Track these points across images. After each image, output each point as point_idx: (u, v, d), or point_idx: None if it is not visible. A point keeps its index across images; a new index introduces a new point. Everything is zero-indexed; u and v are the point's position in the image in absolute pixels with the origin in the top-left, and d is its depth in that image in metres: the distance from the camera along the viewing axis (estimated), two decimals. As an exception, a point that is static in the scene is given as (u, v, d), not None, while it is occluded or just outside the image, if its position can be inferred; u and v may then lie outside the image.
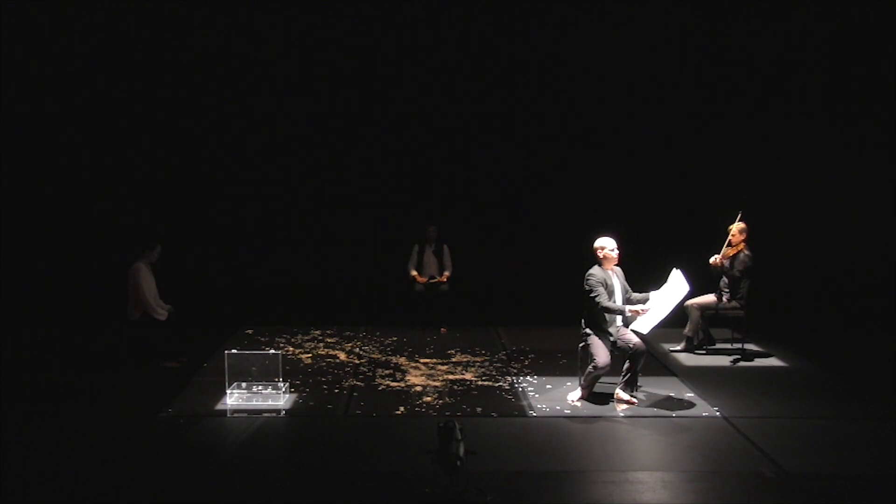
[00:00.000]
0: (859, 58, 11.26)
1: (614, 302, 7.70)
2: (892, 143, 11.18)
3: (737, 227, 9.39)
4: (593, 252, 7.75)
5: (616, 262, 7.80)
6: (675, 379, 8.55)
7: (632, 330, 7.61)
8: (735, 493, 5.92)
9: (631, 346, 7.62)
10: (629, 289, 7.85)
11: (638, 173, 11.73)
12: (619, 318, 7.76)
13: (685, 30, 11.50)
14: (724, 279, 9.44)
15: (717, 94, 11.59)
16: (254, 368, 7.85)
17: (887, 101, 11.16)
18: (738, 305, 9.42)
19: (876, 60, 11.20)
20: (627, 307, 7.63)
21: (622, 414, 7.56)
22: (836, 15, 11.25)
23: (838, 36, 11.27)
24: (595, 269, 7.73)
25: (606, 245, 7.70)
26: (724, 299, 9.43)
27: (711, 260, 9.40)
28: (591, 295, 7.60)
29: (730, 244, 9.38)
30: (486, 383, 8.46)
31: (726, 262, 9.34)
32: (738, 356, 9.40)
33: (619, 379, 7.74)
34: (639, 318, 7.57)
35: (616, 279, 7.79)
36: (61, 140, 11.34)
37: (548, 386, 8.27)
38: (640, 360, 7.65)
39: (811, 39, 11.35)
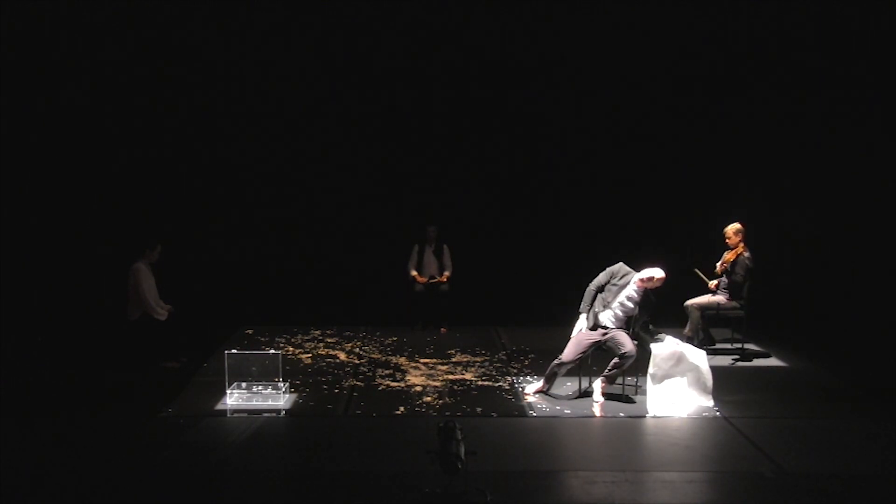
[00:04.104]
0: (859, 57, 11.25)
1: (602, 298, 7.90)
2: (893, 142, 11.16)
3: (732, 228, 9.40)
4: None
5: (651, 289, 7.85)
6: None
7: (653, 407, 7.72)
8: (735, 493, 5.92)
9: (622, 348, 7.70)
10: (650, 320, 7.98)
11: (637, 174, 11.72)
12: (611, 318, 7.84)
13: (682, 32, 11.49)
14: (724, 279, 9.45)
15: (716, 95, 11.58)
16: (254, 368, 7.85)
17: (887, 100, 11.15)
18: (738, 305, 9.43)
19: (877, 59, 11.20)
20: (585, 310, 7.94)
21: (623, 415, 7.57)
22: (836, 13, 11.25)
23: (838, 36, 11.26)
24: (618, 265, 7.99)
25: (656, 274, 7.80)
26: (725, 298, 9.43)
27: (711, 284, 9.45)
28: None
29: (728, 248, 9.40)
30: (486, 383, 8.46)
31: (727, 267, 9.35)
32: (738, 356, 9.41)
33: (604, 370, 7.84)
34: (653, 398, 7.68)
35: (634, 293, 7.84)
36: (61, 140, 11.32)
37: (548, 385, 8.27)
38: (628, 363, 7.74)
39: (811, 39, 11.34)
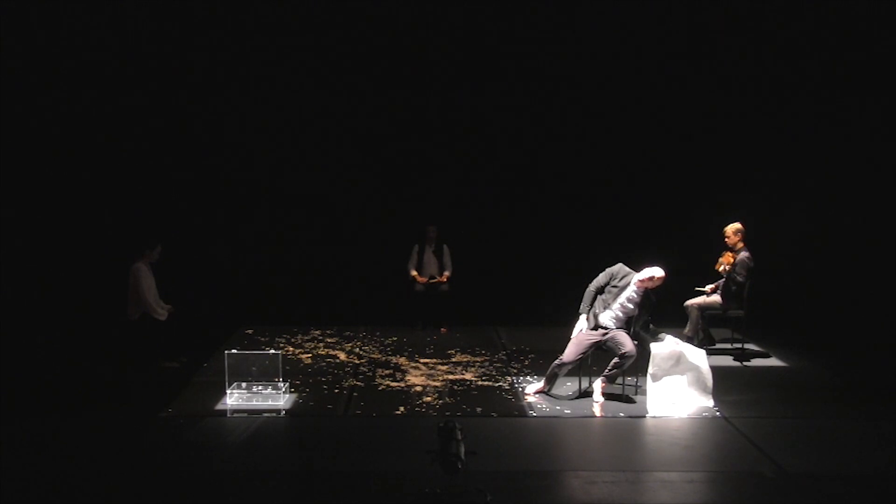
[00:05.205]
0: (858, 56, 11.25)
1: (603, 300, 7.91)
2: (893, 141, 11.16)
3: (731, 228, 9.40)
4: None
5: (651, 289, 7.84)
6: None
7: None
8: (735, 493, 5.92)
9: (622, 348, 7.71)
10: (650, 319, 7.98)
11: (637, 174, 11.72)
12: (611, 319, 7.85)
13: (683, 32, 11.49)
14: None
15: (716, 94, 11.58)
16: (254, 368, 7.85)
17: (886, 99, 11.15)
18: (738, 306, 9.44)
19: (875, 59, 11.20)
20: (585, 311, 7.94)
21: (623, 415, 7.58)
22: (835, 12, 11.25)
23: (837, 35, 11.26)
24: (618, 266, 7.97)
25: (656, 274, 7.78)
26: (721, 298, 9.43)
27: (709, 287, 9.47)
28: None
29: (728, 249, 9.39)
30: (486, 383, 8.46)
31: (727, 267, 9.33)
32: (738, 356, 9.40)
33: (604, 370, 7.85)
34: (653, 398, 7.66)
35: (634, 294, 7.84)
36: (61, 140, 11.32)
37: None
38: (628, 363, 7.75)
39: (809, 38, 11.34)
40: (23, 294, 10.70)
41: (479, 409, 7.63)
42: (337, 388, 8.27)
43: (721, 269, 9.36)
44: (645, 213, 11.59)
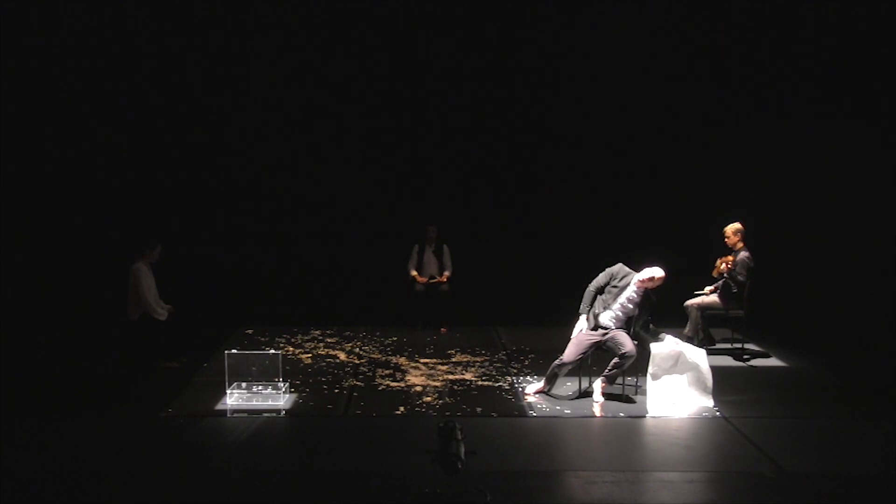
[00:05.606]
0: (858, 56, 11.25)
1: (603, 300, 7.92)
2: (893, 141, 11.16)
3: (731, 228, 9.40)
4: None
5: (651, 289, 7.84)
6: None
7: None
8: (735, 493, 5.93)
9: (622, 348, 7.71)
10: (650, 319, 7.99)
11: (637, 174, 11.72)
12: (611, 319, 7.86)
13: (682, 31, 11.49)
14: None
15: (715, 94, 11.58)
16: (254, 368, 7.85)
17: (886, 99, 11.15)
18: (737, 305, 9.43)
19: (875, 58, 11.20)
20: (585, 311, 7.94)
21: (623, 415, 7.58)
22: (835, 12, 11.24)
23: (837, 35, 11.25)
24: (618, 266, 7.98)
25: (656, 274, 7.77)
26: (721, 299, 9.43)
27: (707, 290, 9.47)
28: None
29: (729, 250, 9.39)
30: (486, 383, 8.46)
31: (727, 265, 9.31)
32: (734, 356, 9.39)
33: (604, 370, 7.86)
34: (653, 398, 7.67)
35: (634, 294, 7.84)
36: (61, 140, 11.32)
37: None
38: (628, 363, 7.75)
39: (809, 37, 11.34)
40: (23, 294, 10.70)
41: (479, 409, 7.63)
42: (337, 388, 8.27)
43: (723, 266, 9.35)
44: (645, 213, 11.58)
